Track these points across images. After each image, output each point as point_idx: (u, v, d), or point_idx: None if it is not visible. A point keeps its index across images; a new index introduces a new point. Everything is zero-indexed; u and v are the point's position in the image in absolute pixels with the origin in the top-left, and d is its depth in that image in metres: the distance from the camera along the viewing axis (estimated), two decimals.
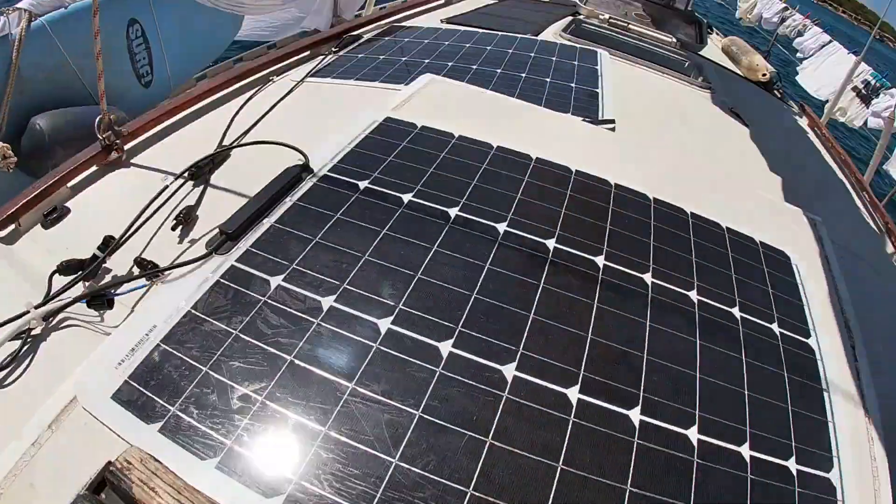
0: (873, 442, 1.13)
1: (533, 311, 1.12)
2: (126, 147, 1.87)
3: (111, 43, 3.55)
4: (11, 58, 3.04)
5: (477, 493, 0.84)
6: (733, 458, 0.98)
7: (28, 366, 1.10)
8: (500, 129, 1.70)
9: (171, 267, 1.20)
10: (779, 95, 4.08)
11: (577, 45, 3.01)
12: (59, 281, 1.28)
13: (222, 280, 1.13)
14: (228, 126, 1.91)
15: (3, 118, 3.04)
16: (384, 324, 1.04)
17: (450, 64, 2.43)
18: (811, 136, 3.61)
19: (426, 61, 2.43)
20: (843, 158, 3.29)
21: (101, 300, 1.19)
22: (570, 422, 0.96)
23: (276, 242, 1.21)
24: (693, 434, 0.99)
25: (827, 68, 6.02)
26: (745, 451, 1.00)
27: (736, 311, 1.28)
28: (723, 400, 1.08)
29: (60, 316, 1.19)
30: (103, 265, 1.32)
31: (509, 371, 1.01)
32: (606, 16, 3.97)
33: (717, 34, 5.76)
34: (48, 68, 3.29)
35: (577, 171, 1.58)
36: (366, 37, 2.82)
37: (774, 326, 1.29)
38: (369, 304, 1.07)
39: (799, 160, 2.99)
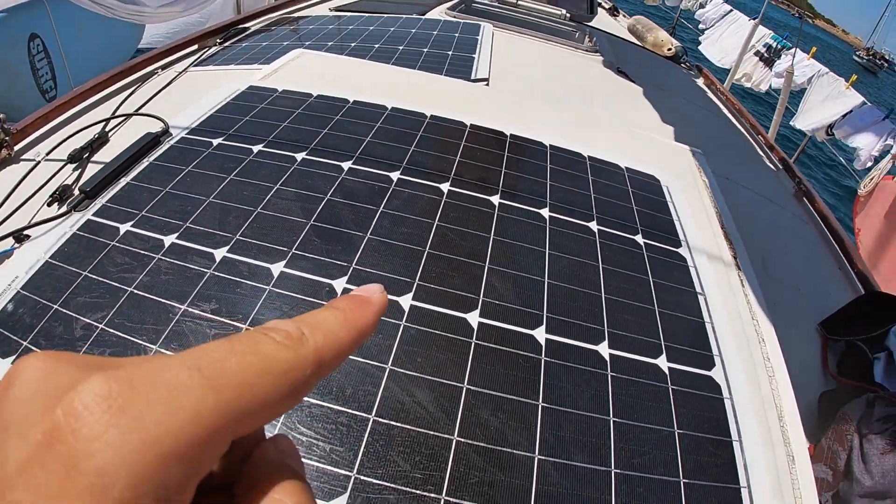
0: (765, 343, 1.21)
1: (369, 232, 1.23)
2: (17, 146, 1.94)
3: (12, 58, 3.59)
4: None
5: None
6: (595, 358, 1.06)
7: None
8: (362, 89, 1.81)
9: (33, 225, 1.30)
10: (686, 68, 4.25)
11: (461, 21, 3.13)
12: None
13: (78, 232, 1.23)
14: (111, 116, 1.98)
15: None
16: (219, 253, 1.14)
17: (329, 44, 2.53)
18: (708, 93, 3.79)
19: (306, 44, 2.53)
20: (738, 108, 3.47)
21: None
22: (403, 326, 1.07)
23: (130, 196, 1.31)
24: (540, 334, 1.09)
25: (728, 37, 6.31)
26: (605, 349, 1.08)
27: (593, 225, 1.40)
28: (583, 303, 1.16)
29: None
30: None
31: (340, 285, 1.12)
32: None
33: (624, 15, 5.95)
34: None
35: (431, 115, 1.70)
36: (253, 28, 2.90)
37: (638, 237, 1.41)
38: (208, 238, 1.17)
39: (691, 111, 3.14)
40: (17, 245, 1.32)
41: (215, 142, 1.47)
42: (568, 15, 4.05)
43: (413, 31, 2.84)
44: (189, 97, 2.12)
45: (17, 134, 1.95)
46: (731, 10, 6.82)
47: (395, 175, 1.40)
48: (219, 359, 0.21)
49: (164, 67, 2.45)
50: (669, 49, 4.22)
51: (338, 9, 3.38)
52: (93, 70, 4.28)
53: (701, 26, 7.36)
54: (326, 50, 2.42)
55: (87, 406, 0.19)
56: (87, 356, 0.22)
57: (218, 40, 2.68)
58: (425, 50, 2.56)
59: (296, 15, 3.19)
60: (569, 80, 2.74)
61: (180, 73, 2.30)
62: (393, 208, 1.29)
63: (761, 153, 2.95)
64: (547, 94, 2.49)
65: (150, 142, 1.46)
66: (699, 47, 7.12)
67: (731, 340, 1.18)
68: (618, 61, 3.22)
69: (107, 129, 1.86)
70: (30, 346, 1.01)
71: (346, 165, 1.41)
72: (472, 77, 2.32)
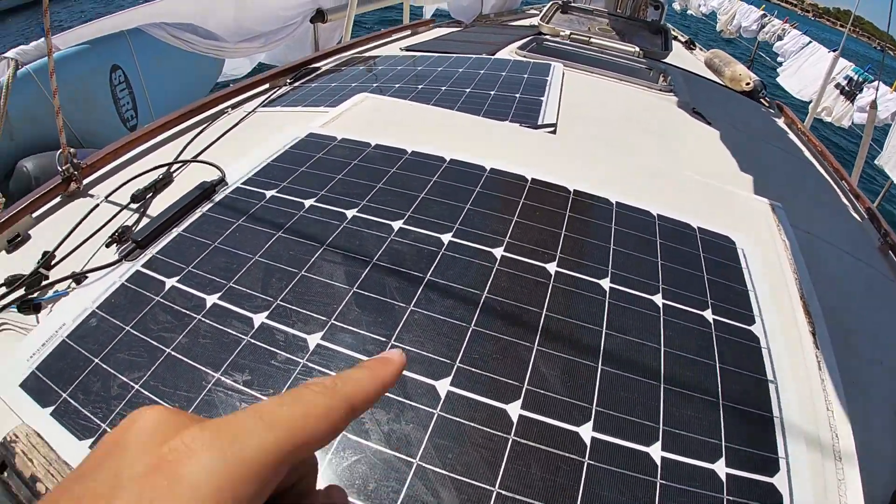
0: (838, 439, 1.08)
1: (413, 303, 1.17)
2: (86, 179, 2.01)
3: (95, 89, 3.78)
4: None
5: None
6: (646, 462, 0.98)
7: None
8: (423, 137, 1.78)
9: (84, 272, 1.32)
10: (766, 104, 4.07)
11: (532, 61, 3.07)
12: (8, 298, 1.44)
13: (126, 283, 1.24)
14: (179, 155, 2.02)
15: None
16: (258, 318, 1.12)
17: (396, 86, 2.53)
18: (790, 134, 3.60)
19: (374, 85, 2.54)
20: (820, 150, 3.27)
21: (27, 304, 1.34)
22: (438, 414, 1.01)
23: (180, 249, 1.31)
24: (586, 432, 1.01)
25: (807, 69, 6.04)
26: (657, 452, 0.98)
27: (658, 298, 1.28)
28: (638, 395, 1.06)
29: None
30: (44, 280, 1.45)
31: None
32: (567, 32, 4.04)
33: (701, 49, 5.78)
34: (35, 114, 3.50)
35: (490, 168, 1.64)
36: (324, 68, 2.94)
37: (707, 313, 1.28)
38: (249, 301, 1.15)
39: (771, 156, 2.97)
40: (73, 287, 1.35)
41: (268, 194, 1.46)
42: (642, 52, 3.94)
43: (481, 72, 2.80)
44: (254, 140, 2.15)
45: (87, 168, 2.02)
46: (811, 42, 6.55)
47: (446, 237, 1.35)
48: (273, 409, 0.29)
49: (234, 106, 2.50)
50: (748, 83, 4.05)
51: (409, 48, 3.39)
52: (173, 101, 4.48)
53: (779, 59, 7.08)
54: (393, 92, 2.41)
55: (186, 444, 0.26)
56: (184, 413, 0.30)
57: (288, 80, 2.72)
58: (492, 92, 2.52)
59: (367, 55, 3.22)
60: (641, 123, 2.63)
61: (248, 113, 2.34)
62: (440, 276, 1.23)
63: (846, 201, 2.75)
64: (617, 140, 2.39)
65: (206, 191, 1.46)
66: (777, 79, 6.85)
67: (800, 438, 1.06)
68: (694, 100, 3.09)
69: (171, 171, 1.90)
70: (69, 398, 1.01)
71: (396, 225, 1.37)
72: (540, 122, 2.26)
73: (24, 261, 1.65)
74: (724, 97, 3.86)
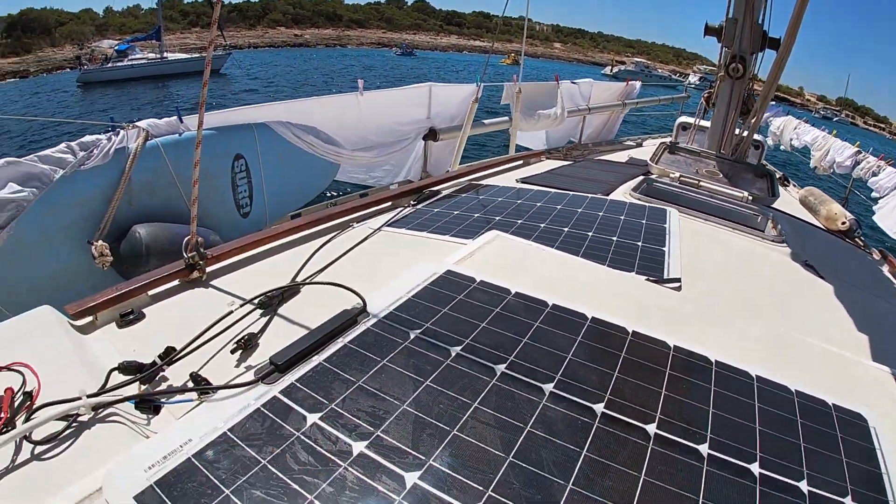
0: None
1: (571, 482, 1.07)
2: (208, 269, 2.05)
3: (217, 173, 3.97)
4: (125, 168, 3.43)
5: None
6: None
7: (66, 448, 1.19)
8: (559, 286, 1.73)
9: (219, 387, 1.27)
10: (861, 244, 3.93)
11: (647, 204, 3.05)
12: (117, 379, 1.40)
13: (262, 408, 1.17)
14: (304, 264, 2.04)
15: (108, 220, 3.40)
16: (411, 478, 1.02)
17: (519, 222, 2.52)
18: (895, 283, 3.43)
19: (497, 218, 2.54)
20: None
21: (148, 405, 1.30)
22: None
23: (321, 380, 1.25)
24: None
25: None
26: None
27: (803, 486, 1.14)
28: None
29: (109, 410, 1.29)
30: (161, 373, 1.43)
31: None
32: (677, 174, 4.04)
33: (794, 186, 5.69)
34: (155, 185, 3.70)
35: (633, 331, 1.56)
36: (444, 192, 2.99)
37: (847, 500, 1.13)
38: (399, 456, 1.06)
39: (886, 314, 2.80)
40: (193, 399, 1.30)
41: (412, 334, 1.41)
42: (750, 198, 3.87)
43: (600, 214, 2.79)
44: (382, 259, 2.15)
45: (212, 259, 2.04)
46: None
47: (598, 408, 1.26)
48: None
49: (358, 220, 2.55)
50: (843, 223, 3.95)
51: (523, 180, 3.44)
52: (287, 196, 4.66)
53: (874, 195, 6.81)
54: (516, 229, 2.40)
55: None
56: None
57: (412, 202, 2.77)
58: (615, 239, 2.48)
59: (484, 183, 3.28)
60: (759, 279, 2.52)
61: (374, 231, 2.37)
62: (596, 452, 1.14)
63: None
64: (739, 298, 2.29)
65: (348, 321, 1.43)
66: (874, 217, 6.56)
67: None
68: (799, 246, 2.98)
69: (298, 283, 1.90)
70: None
71: (547, 389, 1.28)
72: (665, 275, 2.19)
73: (134, 340, 1.64)
74: (826, 242, 3.73)
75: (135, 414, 1.30)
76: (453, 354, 1.35)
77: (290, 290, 1.83)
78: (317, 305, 1.74)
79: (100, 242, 3.31)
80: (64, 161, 3.20)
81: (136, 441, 1.20)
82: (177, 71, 33.88)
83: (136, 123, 3.69)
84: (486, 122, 5.51)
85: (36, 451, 1.17)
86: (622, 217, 2.79)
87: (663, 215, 2.88)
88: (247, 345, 1.54)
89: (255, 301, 1.72)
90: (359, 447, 1.08)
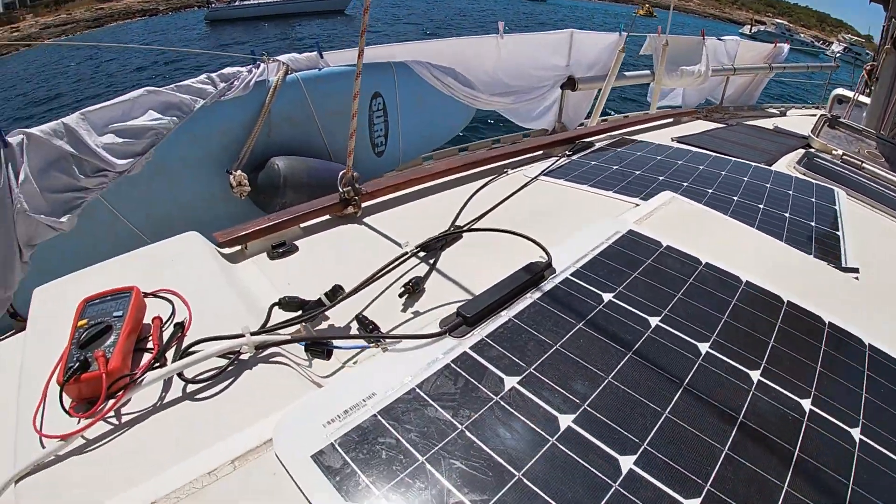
0: None
1: (727, 447, 0.96)
2: (364, 204, 1.98)
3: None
4: (265, 100, 3.43)
5: None
6: None
7: (224, 389, 1.08)
8: (747, 262, 1.56)
9: (404, 336, 1.16)
10: None
11: (814, 182, 2.78)
12: (277, 315, 1.31)
13: (453, 364, 1.07)
14: (462, 208, 1.94)
15: (247, 151, 3.44)
16: (625, 462, 0.91)
17: (685, 184, 2.33)
18: None
19: (660, 178, 2.35)
20: None
21: (321, 348, 1.18)
22: None
23: (514, 339, 1.14)
24: None
25: None
26: None
27: None
28: None
29: (271, 350, 1.18)
30: (324, 310, 1.34)
31: None
32: (840, 152, 3.66)
33: None
34: (294, 118, 3.69)
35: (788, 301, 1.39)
36: (598, 145, 2.81)
37: None
38: (611, 434, 0.95)
39: None
40: (370, 345, 1.22)
41: (605, 297, 1.29)
42: None
43: (767, 186, 2.55)
44: (545, 209, 2.01)
45: (366, 196, 1.98)
46: None
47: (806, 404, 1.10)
48: None
49: (512, 167, 2.43)
50: None
51: (679, 139, 3.19)
52: (422, 138, 4.58)
53: None
54: (682, 191, 2.21)
55: None
56: None
57: (567, 152, 2.61)
58: (787, 216, 2.25)
59: (637, 138, 3.06)
60: None
61: (532, 179, 2.24)
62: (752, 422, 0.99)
63: None
64: None
65: (535, 276, 1.32)
66: None
67: None
68: None
69: (460, 227, 1.81)
70: (383, 499, 0.83)
71: (755, 377, 1.14)
72: (844, 264, 1.97)
73: (287, 274, 1.58)
74: None
75: (300, 356, 1.20)
76: (653, 325, 1.22)
77: (452, 236, 1.74)
78: (481, 253, 1.64)
79: (238, 172, 3.35)
80: (204, 91, 3.23)
81: (304, 388, 1.10)
82: (302, 10, 34.50)
83: (277, 57, 3.68)
84: (627, 74, 5.19)
85: (188, 390, 1.07)
86: (790, 192, 2.54)
87: (832, 196, 2.60)
88: (413, 290, 1.45)
89: (422, 244, 1.64)
90: (566, 421, 0.96)
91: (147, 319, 1.23)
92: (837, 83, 7.64)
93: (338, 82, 3.83)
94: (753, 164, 2.84)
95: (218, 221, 2.90)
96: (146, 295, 1.32)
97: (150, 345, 1.17)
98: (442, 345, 1.13)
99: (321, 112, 3.75)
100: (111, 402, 0.99)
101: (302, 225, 1.85)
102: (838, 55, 15.41)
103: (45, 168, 2.62)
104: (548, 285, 1.30)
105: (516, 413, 0.97)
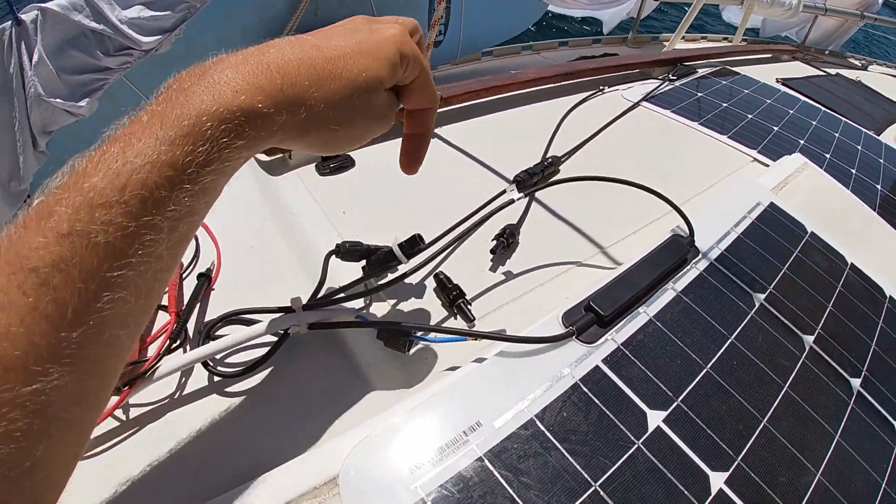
0: None
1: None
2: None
3: None
4: None
5: None
6: None
7: (265, 382, 0.82)
8: (886, 266, 1.30)
9: (515, 338, 0.82)
10: None
11: None
12: (335, 268, 1.01)
13: (582, 386, 0.79)
14: (556, 130, 1.64)
15: (290, 30, 3.07)
16: (716, 479, 0.71)
17: (801, 142, 2.02)
18: None
19: (775, 129, 2.03)
20: None
21: (402, 340, 0.86)
22: None
23: (655, 351, 0.87)
24: None
25: None
26: None
27: None
28: None
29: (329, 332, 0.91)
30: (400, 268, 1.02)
31: None
32: None
33: None
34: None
35: None
36: (700, 72, 2.45)
37: None
38: (764, 500, 0.73)
39: None
40: (468, 339, 0.86)
41: (756, 299, 1.02)
42: None
43: (881, 162, 2.24)
44: (653, 145, 1.69)
45: (440, 101, 1.65)
46: None
47: None
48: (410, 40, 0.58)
49: (609, 84, 2.08)
50: None
51: (784, 82, 2.81)
52: (487, 32, 4.07)
53: None
54: (801, 151, 1.91)
55: (388, 24, 0.56)
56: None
57: (671, 76, 2.26)
58: None
59: (739, 69, 2.67)
60: None
61: (634, 105, 1.91)
62: None
63: None
64: None
65: (679, 261, 1.04)
66: None
67: None
68: None
69: (559, 159, 1.50)
70: None
71: None
72: None
73: (345, 198, 1.26)
74: None
75: (366, 332, 0.91)
76: (807, 349, 0.97)
77: (550, 170, 1.44)
78: (581, 196, 1.35)
79: None
80: None
81: (372, 385, 0.84)
82: None
83: None
84: None
85: (216, 381, 0.81)
86: None
87: None
88: (508, 242, 1.15)
89: (517, 180, 1.34)
90: (717, 481, 0.73)
91: None
92: None
93: None
94: (864, 130, 2.51)
95: None
96: None
97: (165, 300, 0.89)
98: (567, 351, 0.84)
99: None
100: (113, 400, 0.71)
101: None
102: None
103: (63, 47, 2.27)
104: (690, 273, 1.03)
105: (661, 466, 0.73)
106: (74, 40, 2.30)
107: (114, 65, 2.39)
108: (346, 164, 1.40)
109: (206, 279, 0.94)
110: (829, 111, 2.55)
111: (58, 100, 2.27)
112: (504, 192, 1.20)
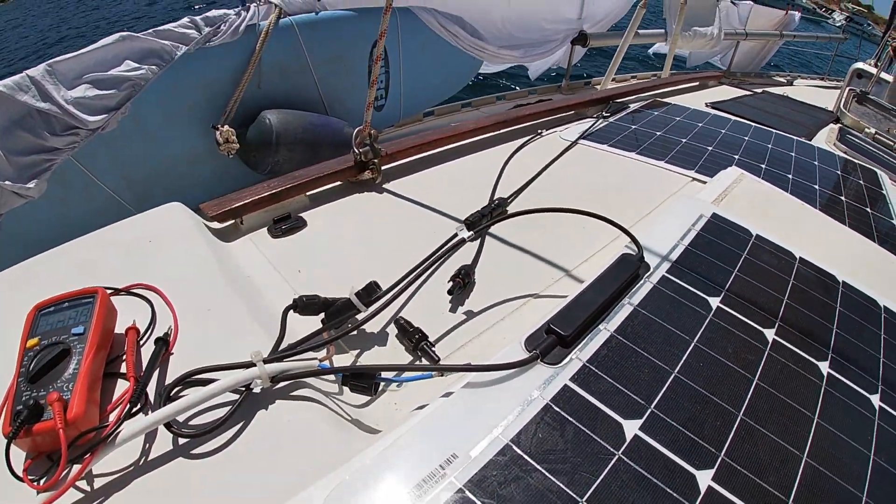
0: None
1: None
2: (384, 167, 1.69)
3: (354, 57, 3.51)
4: (255, 47, 3.02)
5: None
6: None
7: (231, 440, 0.80)
8: (834, 257, 1.36)
9: (481, 368, 0.85)
10: None
11: (857, 162, 2.61)
12: (294, 323, 1.01)
13: (554, 406, 0.80)
14: (500, 173, 1.69)
15: (234, 104, 3.03)
16: (704, 477, 0.72)
17: (735, 157, 2.11)
18: None
19: (709, 149, 2.13)
20: None
21: (366, 383, 0.88)
22: None
23: (620, 363, 0.89)
24: None
25: None
26: None
27: None
28: None
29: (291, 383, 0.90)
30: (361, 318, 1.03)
31: None
32: (872, 130, 3.49)
33: None
34: (287, 68, 3.28)
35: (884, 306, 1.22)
36: (632, 107, 2.56)
37: None
38: (755, 492, 0.74)
39: None
40: (434, 374, 0.89)
41: (712, 302, 1.05)
42: None
43: (816, 164, 2.38)
44: (594, 179, 1.75)
45: (386, 157, 1.70)
46: None
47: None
48: None
49: (545, 127, 2.16)
50: None
51: (713, 105, 2.95)
52: (426, 91, 4.19)
53: None
54: (737, 165, 2.00)
55: None
56: None
57: (604, 113, 2.36)
58: (843, 199, 2.08)
59: (668, 100, 2.80)
60: None
61: (572, 143, 1.98)
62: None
63: None
64: None
65: (631, 276, 1.07)
66: None
67: None
68: None
69: (505, 200, 1.55)
70: None
71: (875, 402, 0.93)
72: None
73: (297, 257, 1.28)
74: None
75: (329, 381, 0.93)
76: (770, 340, 1.00)
77: (497, 211, 1.48)
78: (533, 232, 1.39)
79: (225, 128, 2.93)
80: (187, 37, 2.75)
81: (342, 433, 0.82)
82: None
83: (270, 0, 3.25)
84: (640, 31, 4.86)
85: (181, 444, 0.79)
86: (838, 172, 2.38)
87: (876, 179, 2.46)
88: (464, 282, 1.18)
89: (467, 222, 1.37)
90: (704, 479, 0.74)
91: (120, 328, 0.94)
92: (843, 55, 7.46)
93: (336, 28, 3.43)
94: (796, 138, 2.64)
95: (203, 183, 2.52)
96: (117, 292, 1.03)
97: (123, 368, 0.88)
98: (534, 375, 0.86)
99: (317, 61, 3.34)
100: (75, 469, 0.70)
101: (309, 193, 1.56)
102: (838, 24, 15.30)
103: (9, 127, 2.25)
104: (644, 287, 1.06)
105: (646, 473, 0.73)
106: (21, 121, 2.25)
107: (61, 144, 2.36)
108: (297, 224, 1.42)
109: (164, 343, 0.92)
110: (759, 125, 2.68)
111: (6, 182, 2.22)
112: (456, 234, 1.22)
